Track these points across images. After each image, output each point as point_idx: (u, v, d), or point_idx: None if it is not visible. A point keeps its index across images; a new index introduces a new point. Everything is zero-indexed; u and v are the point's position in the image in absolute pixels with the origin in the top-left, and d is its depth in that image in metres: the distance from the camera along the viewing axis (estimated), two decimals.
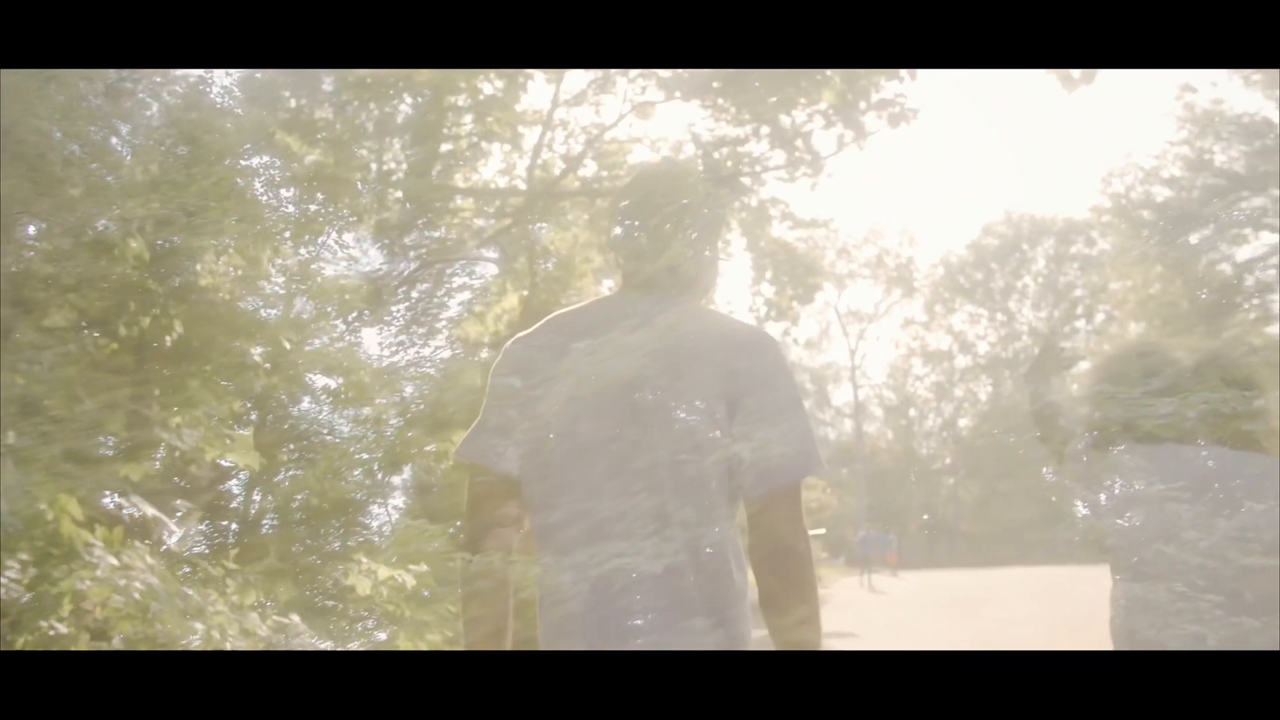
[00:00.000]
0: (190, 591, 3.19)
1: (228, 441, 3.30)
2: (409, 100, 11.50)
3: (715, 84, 13.02)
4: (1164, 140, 25.13)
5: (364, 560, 4.08)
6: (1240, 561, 2.33)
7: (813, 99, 13.32)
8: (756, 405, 1.85)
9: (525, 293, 13.61)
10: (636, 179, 2.12)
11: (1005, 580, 23.20)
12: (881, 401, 52.81)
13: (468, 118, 12.45)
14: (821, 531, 31.73)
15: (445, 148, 12.83)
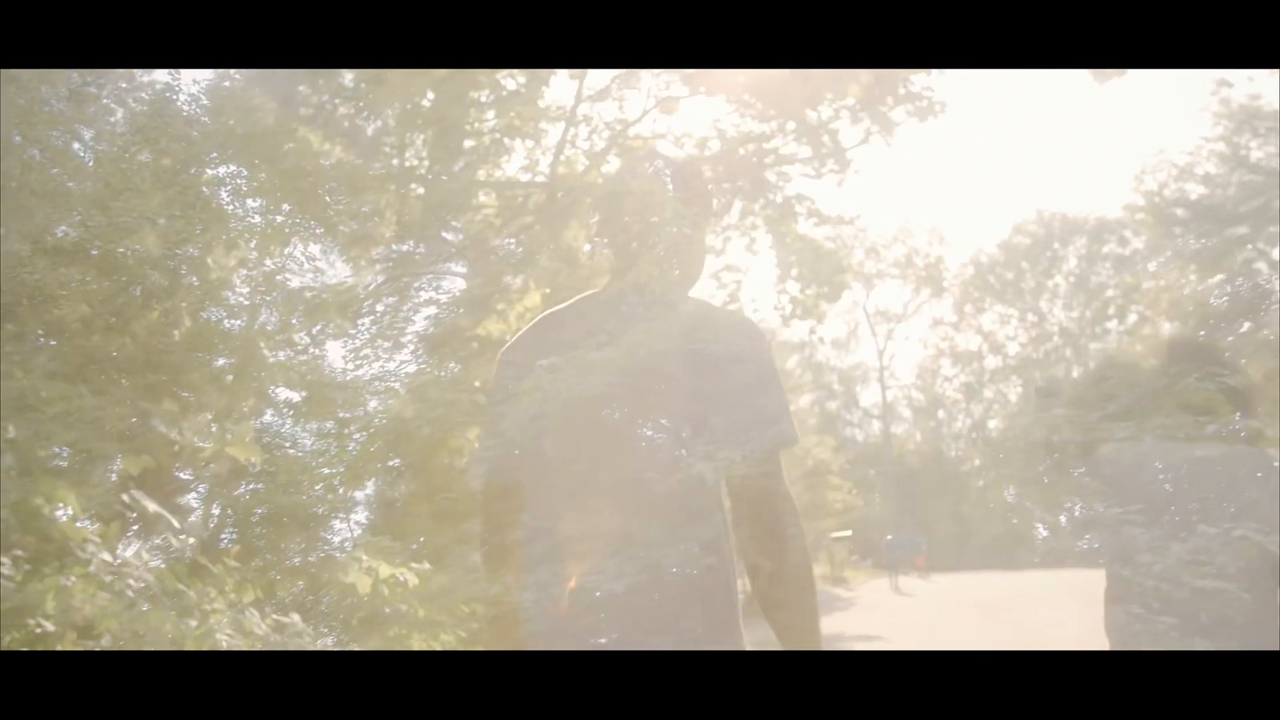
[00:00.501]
0: (184, 587, 3.09)
1: (228, 437, 3.19)
2: (430, 96, 11.44)
3: (741, 79, 12.88)
4: (1199, 136, 24.68)
5: (364, 558, 3.96)
6: (1194, 584, 2.35)
7: (839, 94, 13.16)
8: (732, 388, 1.86)
9: (548, 290, 13.52)
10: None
11: (1036, 583, 22.92)
12: (910, 402, 52.64)
13: (490, 113, 12.37)
14: (848, 534, 31.59)
15: (468, 143, 12.77)
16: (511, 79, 11.98)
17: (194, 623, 3.29)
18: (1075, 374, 46.44)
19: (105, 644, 3.07)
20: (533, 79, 11.97)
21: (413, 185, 12.61)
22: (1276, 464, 2.47)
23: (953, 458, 49.93)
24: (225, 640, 3.27)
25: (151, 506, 3.87)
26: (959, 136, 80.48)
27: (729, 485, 1.90)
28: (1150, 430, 2.50)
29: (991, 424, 49.68)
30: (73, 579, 3.18)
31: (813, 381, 49.15)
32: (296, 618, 3.76)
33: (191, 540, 3.92)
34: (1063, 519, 2.70)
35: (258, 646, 3.28)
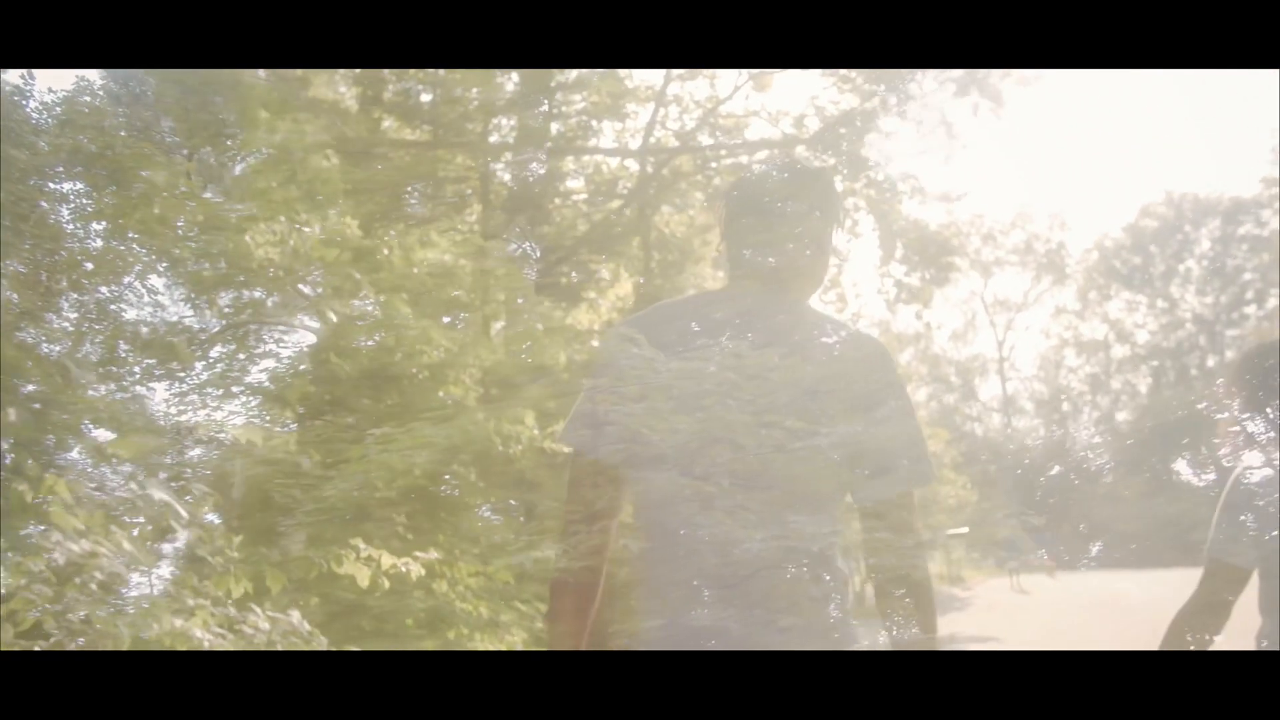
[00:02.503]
0: (165, 578, 2.81)
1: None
2: (514, 77, 11.15)
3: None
4: None
5: (362, 546, 3.64)
6: None
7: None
8: (866, 412, 1.84)
9: (639, 279, 13.14)
10: (748, 175, 2.18)
11: (1166, 582, 21.70)
12: (1032, 395, 50.80)
13: (577, 95, 12.04)
14: (964, 530, 30.63)
15: (555, 127, 12.47)
16: None
17: (188, 618, 2.99)
18: (1210, 363, 44.32)
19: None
20: None
21: (498, 171, 12.37)
22: None
23: (1079, 452, 48.05)
24: (207, 640, 2.97)
25: (158, 495, 3.59)
26: (1079, 116, 77.27)
27: (861, 512, 1.88)
28: None
29: (1120, 416, 47.68)
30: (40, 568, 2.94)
31: (929, 374, 48.06)
32: (296, 615, 3.46)
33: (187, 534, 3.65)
34: (1215, 518, 2.48)
35: (240, 646, 2.97)
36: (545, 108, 11.81)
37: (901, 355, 38.71)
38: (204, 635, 2.81)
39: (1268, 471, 2.42)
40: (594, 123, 12.34)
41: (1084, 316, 48.88)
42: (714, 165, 13.55)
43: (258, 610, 3.12)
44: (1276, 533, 2.34)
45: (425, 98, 11.70)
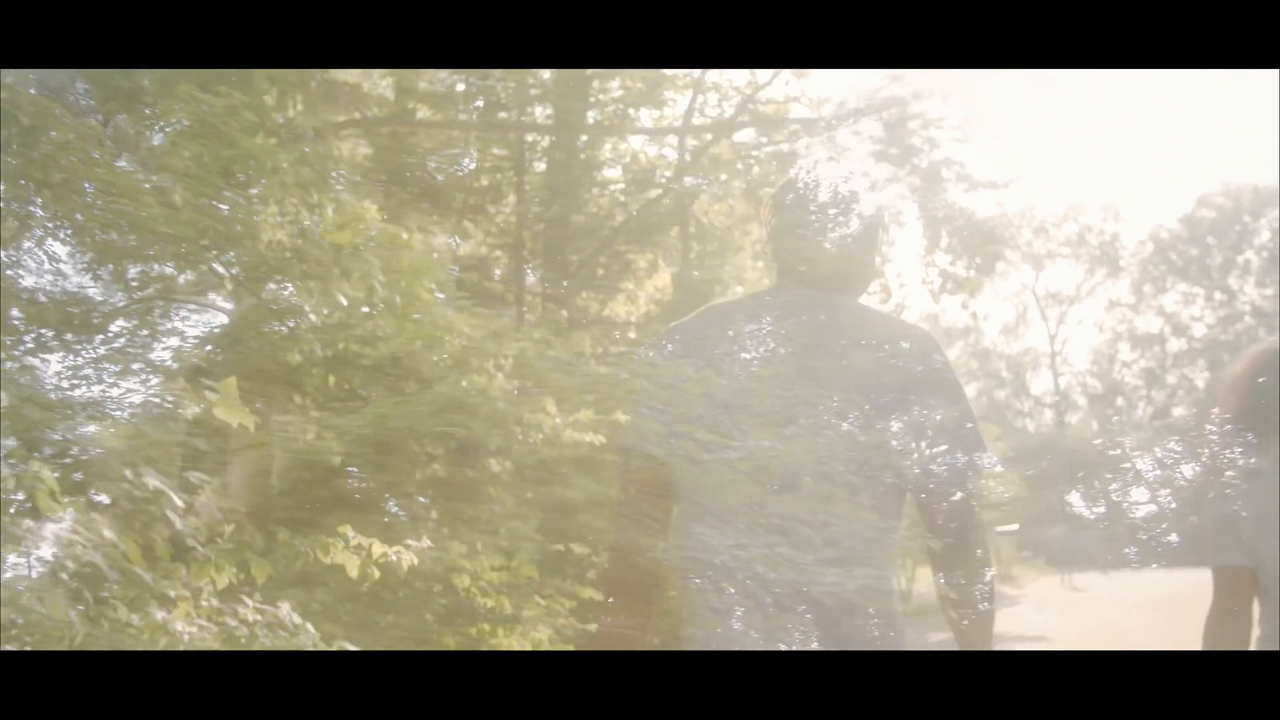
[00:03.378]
0: (142, 572, 2.66)
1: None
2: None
3: None
4: None
5: (350, 533, 3.49)
6: None
7: None
8: (922, 409, 1.84)
9: (676, 269, 12.94)
10: (795, 178, 2.11)
11: None
12: (1085, 389, 49.94)
13: (614, 83, 11.85)
14: (1014, 528, 30.18)
15: (591, 115, 12.30)
16: None
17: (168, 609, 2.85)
18: None
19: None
20: None
21: (535, 162, 12.23)
22: None
23: (1134, 448, 47.08)
24: (188, 634, 2.84)
25: (152, 483, 3.46)
26: (1132, 104, 75.64)
27: (915, 494, 1.89)
28: None
29: (1176, 411, 46.71)
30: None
31: (980, 369, 47.44)
32: (285, 607, 3.32)
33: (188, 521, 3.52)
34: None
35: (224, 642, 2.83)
36: (580, 96, 11.64)
37: (951, 350, 38.20)
38: (185, 629, 2.69)
39: (1246, 471, 2.47)
40: (630, 110, 12.15)
41: (1139, 310, 47.97)
42: (755, 154, 13.31)
43: (248, 602, 3.00)
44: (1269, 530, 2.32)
45: (460, 86, 11.58)
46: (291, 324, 4.85)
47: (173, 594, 2.78)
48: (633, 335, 12.18)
